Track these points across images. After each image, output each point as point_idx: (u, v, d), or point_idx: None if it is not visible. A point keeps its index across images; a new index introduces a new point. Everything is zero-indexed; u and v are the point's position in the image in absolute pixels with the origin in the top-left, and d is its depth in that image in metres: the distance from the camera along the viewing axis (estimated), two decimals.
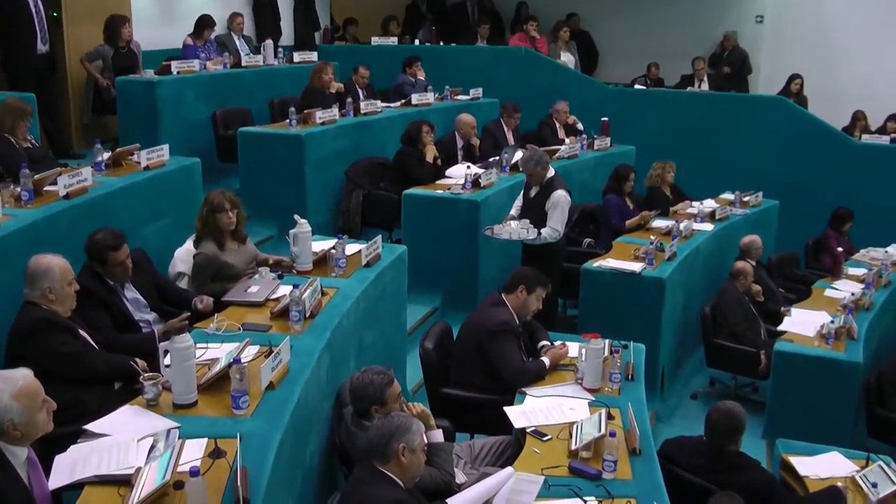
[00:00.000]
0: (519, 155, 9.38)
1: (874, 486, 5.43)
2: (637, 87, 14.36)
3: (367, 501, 3.92)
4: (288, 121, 9.02)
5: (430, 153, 9.02)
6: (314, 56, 11.65)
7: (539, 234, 7.67)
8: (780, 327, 8.08)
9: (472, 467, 5.18)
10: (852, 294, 8.63)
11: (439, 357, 6.07)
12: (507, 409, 5.38)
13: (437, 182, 8.81)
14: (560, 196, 7.72)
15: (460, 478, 4.84)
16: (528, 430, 5.16)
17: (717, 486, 4.92)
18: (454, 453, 5.09)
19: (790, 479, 5.85)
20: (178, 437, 3.84)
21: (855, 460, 5.91)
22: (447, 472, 4.65)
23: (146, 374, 4.24)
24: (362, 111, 9.97)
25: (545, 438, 5.07)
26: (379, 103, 10.30)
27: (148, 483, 3.44)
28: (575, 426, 5.09)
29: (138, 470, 3.55)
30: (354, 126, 9.60)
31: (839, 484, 5.56)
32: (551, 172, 7.96)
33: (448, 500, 4.41)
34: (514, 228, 7.75)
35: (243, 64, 10.69)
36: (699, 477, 5.26)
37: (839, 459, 5.94)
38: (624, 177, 9.50)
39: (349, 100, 9.92)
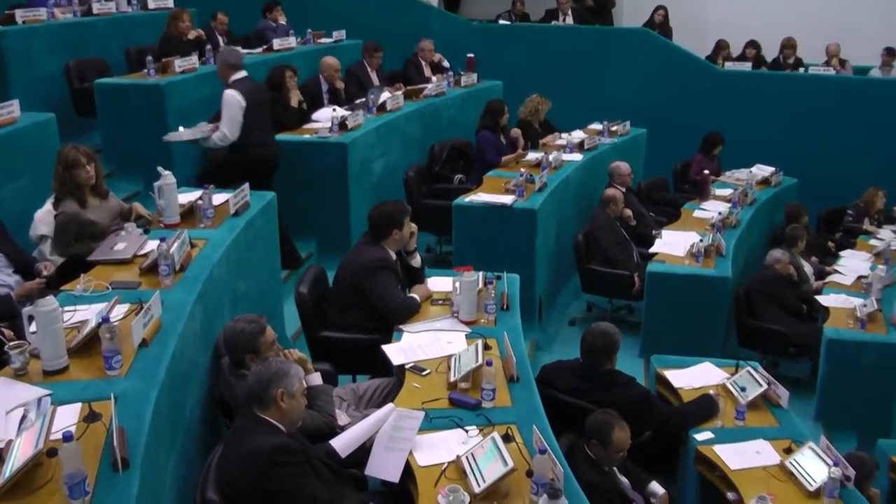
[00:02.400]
0: (385, 96, 9.32)
1: (743, 390, 5.67)
2: (501, 22, 14.38)
3: (249, 449, 3.88)
4: (146, 70, 8.71)
5: (295, 98, 8.88)
6: (170, 2, 11.22)
7: (210, 136, 7.55)
8: (652, 249, 8.27)
9: (357, 409, 5.19)
10: (719, 213, 8.89)
11: (315, 301, 6.04)
12: (384, 347, 5.39)
13: (304, 127, 8.67)
14: (227, 96, 7.53)
15: (343, 419, 4.84)
16: (406, 367, 5.19)
17: (594, 405, 5.03)
18: (338, 396, 5.09)
19: (665, 392, 6.03)
20: (51, 404, 3.70)
21: (725, 368, 6.13)
22: (328, 413, 4.65)
23: (11, 343, 4.09)
24: None
25: (424, 373, 5.11)
26: (240, 50, 10.04)
27: (21, 455, 3.31)
28: (453, 359, 5.15)
29: (9, 443, 3.42)
30: (215, 74, 9.34)
31: (711, 391, 5.77)
32: (240, 75, 7.73)
33: (331, 442, 4.41)
34: (186, 131, 7.68)
35: (94, 11, 10.18)
36: (577, 398, 5.37)
37: (710, 369, 6.15)
38: (498, 112, 9.52)
39: (209, 47, 9.67)
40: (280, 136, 8.31)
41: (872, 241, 9.89)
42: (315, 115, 8.87)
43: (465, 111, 10.48)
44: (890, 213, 10.78)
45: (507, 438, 4.40)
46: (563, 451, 4.61)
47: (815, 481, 4.84)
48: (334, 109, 8.77)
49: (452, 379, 4.97)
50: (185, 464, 4.40)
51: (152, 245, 5.26)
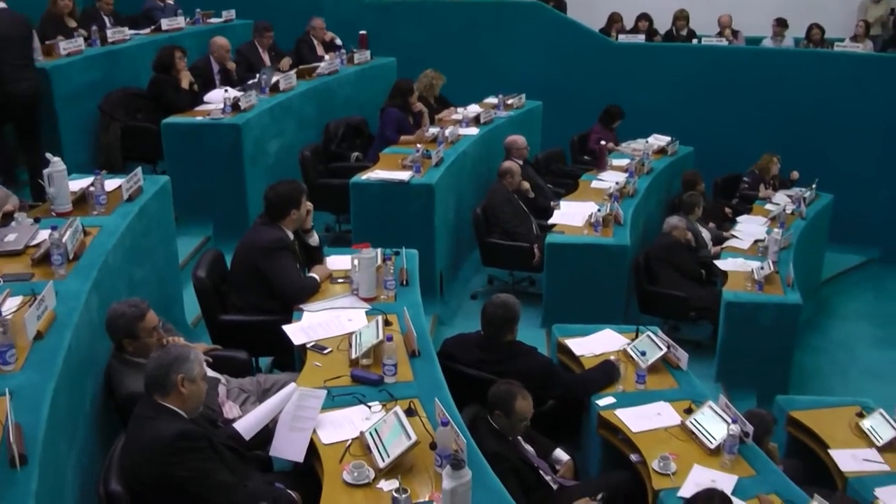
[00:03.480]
0: (277, 77, 9.19)
1: (643, 354, 5.77)
2: None
3: (151, 437, 3.80)
4: None
5: (186, 79, 8.70)
6: None
7: None
8: (551, 221, 8.33)
9: (260, 402, 5.11)
10: (617, 183, 8.98)
11: (214, 285, 5.95)
12: (285, 327, 5.35)
13: (196, 109, 8.49)
14: None
15: (234, 412, 4.75)
16: (307, 346, 5.16)
17: (497, 377, 5.04)
18: (240, 388, 5.01)
19: (567, 360, 6.09)
20: None
21: (626, 334, 6.21)
22: (208, 407, 4.53)
23: None
24: (109, 39, 9.41)
25: (325, 351, 5.09)
26: (127, 30, 9.78)
27: None
28: (354, 336, 5.14)
29: None
30: (103, 56, 9.10)
31: (612, 357, 5.85)
32: None
33: (234, 425, 4.35)
34: None
35: None
36: (480, 370, 5.39)
37: (611, 336, 6.23)
38: (407, 91, 9.45)
39: (94, 28, 9.38)
40: (172, 119, 8.15)
41: (768, 206, 10.12)
42: (207, 97, 8.70)
43: (360, 89, 10.41)
44: (785, 178, 11.04)
45: (409, 412, 4.41)
46: (466, 423, 4.63)
47: (714, 439, 4.96)
48: (226, 91, 8.60)
49: (354, 356, 4.97)
50: (88, 456, 4.32)
51: (44, 235, 5.09)
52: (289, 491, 4.12)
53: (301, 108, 9.31)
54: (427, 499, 3.86)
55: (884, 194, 11.88)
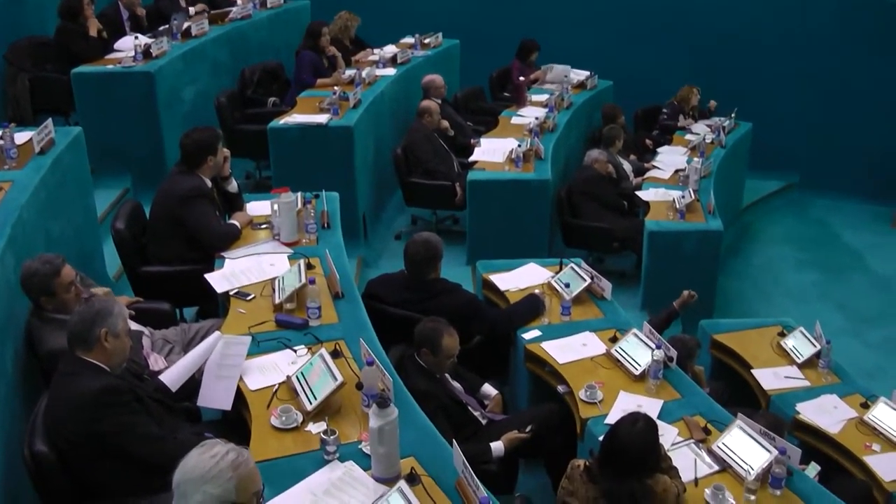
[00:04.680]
0: (189, 23, 8.97)
1: (567, 286, 5.81)
2: None
3: (75, 393, 3.73)
4: None
5: (94, 26, 8.43)
6: None
7: None
8: (472, 158, 8.31)
9: (185, 352, 5.06)
10: (536, 118, 8.97)
11: (134, 236, 5.85)
12: (207, 275, 5.31)
13: (107, 57, 8.23)
14: None
15: (159, 364, 4.70)
16: (230, 293, 5.12)
17: (422, 314, 5.03)
18: (163, 339, 4.95)
19: (493, 296, 6.11)
20: None
21: (550, 267, 6.24)
22: (133, 360, 4.45)
23: None
24: None
25: (249, 298, 5.07)
26: None
27: None
28: (276, 281, 5.12)
29: None
30: (4, 3, 8.78)
31: (536, 291, 5.88)
32: None
33: (160, 377, 4.30)
34: None
35: None
36: (405, 309, 5.38)
37: (535, 269, 6.26)
38: (317, 33, 9.30)
39: None
40: (81, 68, 7.90)
41: (688, 136, 10.20)
42: (117, 45, 8.44)
43: (274, 33, 10.22)
44: (704, 108, 11.13)
45: (335, 354, 4.42)
46: (394, 363, 4.65)
47: (639, 365, 5.05)
48: (136, 37, 8.37)
49: (277, 301, 4.96)
50: (11, 419, 4.26)
51: None
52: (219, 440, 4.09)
53: (215, 53, 9.12)
54: (356, 439, 3.87)
55: (802, 120, 12.06)
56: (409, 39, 10.73)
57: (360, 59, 9.94)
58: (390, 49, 10.24)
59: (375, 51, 10.15)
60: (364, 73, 8.86)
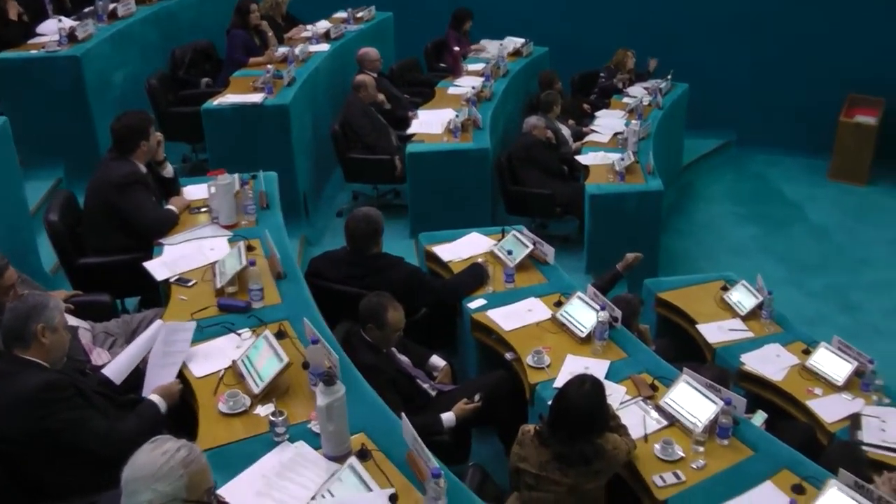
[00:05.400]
0: (114, 4, 8.79)
1: (510, 253, 5.85)
2: None
3: (15, 392, 3.63)
4: None
5: (14, 10, 8.19)
6: None
7: None
8: (410, 131, 8.26)
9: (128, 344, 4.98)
10: (473, 88, 8.95)
11: (69, 228, 5.72)
12: (146, 263, 5.23)
13: (29, 42, 8.01)
14: None
15: (102, 358, 4.62)
16: (171, 280, 5.06)
17: (366, 290, 4.99)
18: (105, 332, 4.86)
19: (436, 267, 6.12)
20: None
21: (492, 236, 6.26)
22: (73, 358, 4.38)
23: None
24: None
25: (190, 284, 5.01)
26: None
27: None
28: (217, 265, 5.07)
29: None
30: None
31: (480, 260, 5.89)
32: None
33: (104, 370, 4.22)
34: None
35: None
36: (348, 285, 5.35)
37: (478, 239, 6.28)
38: (246, 10, 9.17)
39: None
40: (2, 54, 7.69)
41: (625, 100, 10.19)
42: (39, 29, 8.22)
43: (204, 12, 10.06)
44: (641, 71, 11.16)
45: (280, 335, 4.39)
46: (340, 340, 4.64)
47: (585, 328, 5.08)
48: (60, 20, 8.17)
49: (219, 285, 4.91)
50: None
51: None
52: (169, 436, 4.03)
53: (144, 34, 8.95)
54: (306, 419, 3.85)
55: (737, 80, 12.13)
56: (341, 14, 10.66)
57: (293, 35, 9.85)
58: (323, 24, 10.16)
59: (308, 27, 10.06)
60: (297, 50, 8.78)
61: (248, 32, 9.16)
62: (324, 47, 9.40)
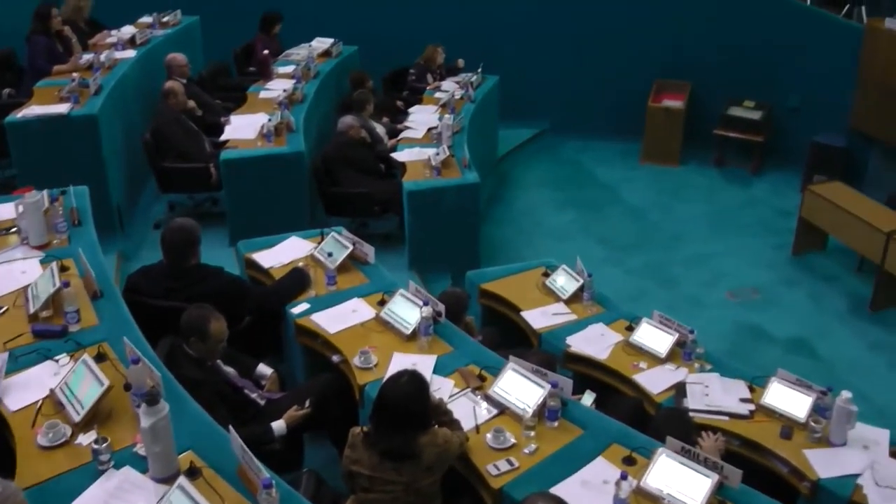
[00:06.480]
0: None
1: (330, 255, 5.87)
2: None
3: None
4: None
5: None
6: None
7: None
8: (223, 137, 8.16)
9: None
10: (284, 91, 8.90)
11: None
12: None
13: None
14: None
15: None
16: None
17: (187, 303, 4.89)
18: None
19: (257, 275, 6.09)
20: None
21: (312, 239, 6.27)
22: None
23: None
24: None
25: (0, 311, 4.82)
26: None
27: None
28: (29, 289, 4.90)
29: None
30: None
31: (300, 264, 5.91)
32: None
33: None
34: None
35: None
36: (169, 299, 5.25)
37: (297, 243, 6.28)
38: (46, 15, 8.78)
39: None
40: None
41: (437, 95, 10.31)
42: None
43: (1, 17, 9.63)
44: (451, 65, 11.30)
45: (99, 358, 4.29)
46: (163, 356, 4.54)
47: (409, 324, 5.17)
48: None
49: (32, 310, 4.75)
50: None
51: None
52: None
53: None
54: (131, 443, 3.77)
55: (547, 70, 12.42)
56: (146, 19, 10.38)
57: (98, 41, 9.51)
58: (128, 30, 9.86)
59: (113, 32, 9.74)
60: (103, 57, 8.52)
61: (50, 38, 8.81)
62: (130, 53, 9.13)
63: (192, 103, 8.60)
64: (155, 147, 8.05)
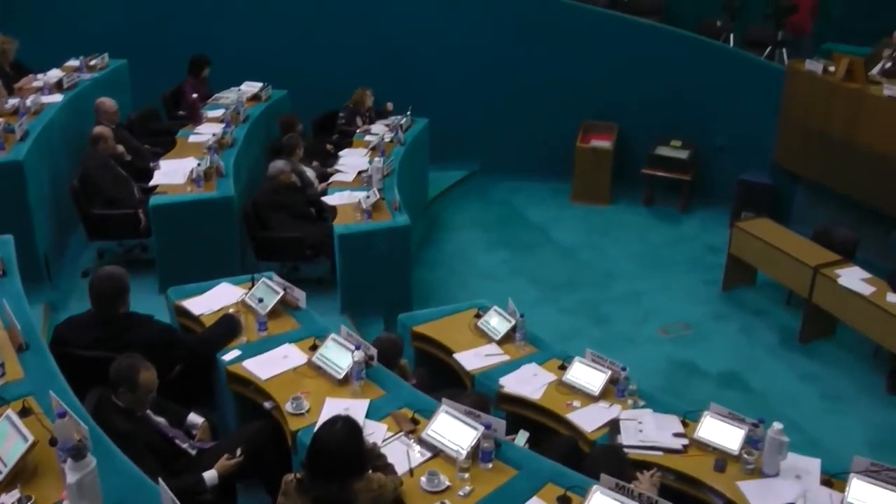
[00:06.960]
0: None
1: (261, 301, 5.85)
2: None
3: None
4: None
5: None
6: None
7: None
8: (153, 182, 8.10)
9: None
10: (214, 135, 8.90)
11: None
12: None
13: None
14: None
15: None
16: None
17: (116, 352, 4.79)
18: None
19: (188, 322, 6.03)
20: None
21: (242, 285, 6.25)
22: None
23: None
24: None
25: None
26: None
27: None
28: None
29: None
30: None
31: (231, 311, 5.89)
32: None
33: None
34: None
35: None
36: (97, 349, 5.16)
37: (228, 289, 6.25)
38: None
39: None
40: None
41: (367, 138, 10.34)
42: None
43: None
44: (381, 108, 11.35)
45: (24, 413, 4.19)
46: (91, 408, 4.48)
47: (341, 369, 5.19)
48: None
49: None
50: None
51: None
52: None
53: None
54: (57, 500, 3.69)
55: (476, 112, 12.55)
56: (73, 62, 10.29)
57: (23, 85, 9.38)
58: (55, 73, 9.77)
59: (39, 76, 9.63)
60: (29, 102, 8.44)
61: None
62: (57, 98, 9.04)
63: (120, 148, 8.53)
64: (83, 193, 7.97)
